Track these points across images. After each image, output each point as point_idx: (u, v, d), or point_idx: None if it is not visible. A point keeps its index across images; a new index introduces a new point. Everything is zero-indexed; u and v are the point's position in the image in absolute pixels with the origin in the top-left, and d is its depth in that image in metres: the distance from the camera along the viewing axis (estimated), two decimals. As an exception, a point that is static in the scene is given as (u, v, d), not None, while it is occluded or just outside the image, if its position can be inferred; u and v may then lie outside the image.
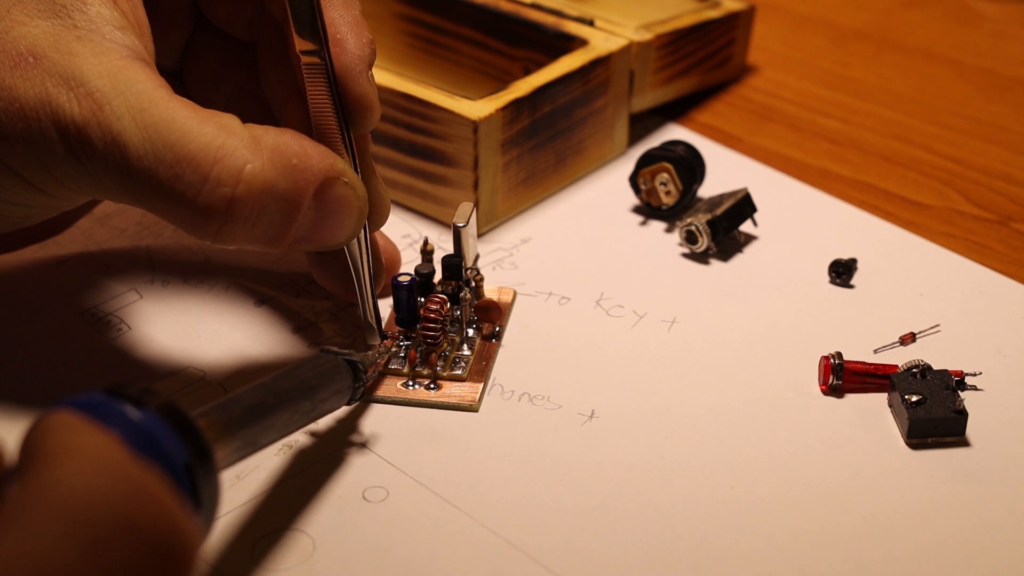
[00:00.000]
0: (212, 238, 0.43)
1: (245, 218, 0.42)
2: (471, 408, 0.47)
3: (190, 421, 0.35)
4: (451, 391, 0.48)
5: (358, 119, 0.46)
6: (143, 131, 0.41)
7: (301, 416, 0.42)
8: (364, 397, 0.46)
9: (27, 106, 0.42)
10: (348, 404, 0.45)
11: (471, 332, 0.50)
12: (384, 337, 0.49)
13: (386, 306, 0.52)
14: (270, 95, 0.49)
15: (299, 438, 0.46)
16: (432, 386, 0.48)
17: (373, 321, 0.49)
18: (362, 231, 0.47)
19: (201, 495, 0.35)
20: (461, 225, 0.50)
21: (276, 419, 0.40)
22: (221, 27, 0.49)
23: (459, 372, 0.49)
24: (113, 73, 0.42)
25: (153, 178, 0.41)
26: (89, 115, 0.41)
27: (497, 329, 0.51)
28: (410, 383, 0.48)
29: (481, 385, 0.48)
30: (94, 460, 0.31)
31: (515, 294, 0.53)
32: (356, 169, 0.46)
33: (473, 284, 0.51)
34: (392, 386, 0.48)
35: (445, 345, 0.49)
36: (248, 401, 0.39)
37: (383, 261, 0.51)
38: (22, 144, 0.42)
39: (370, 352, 0.46)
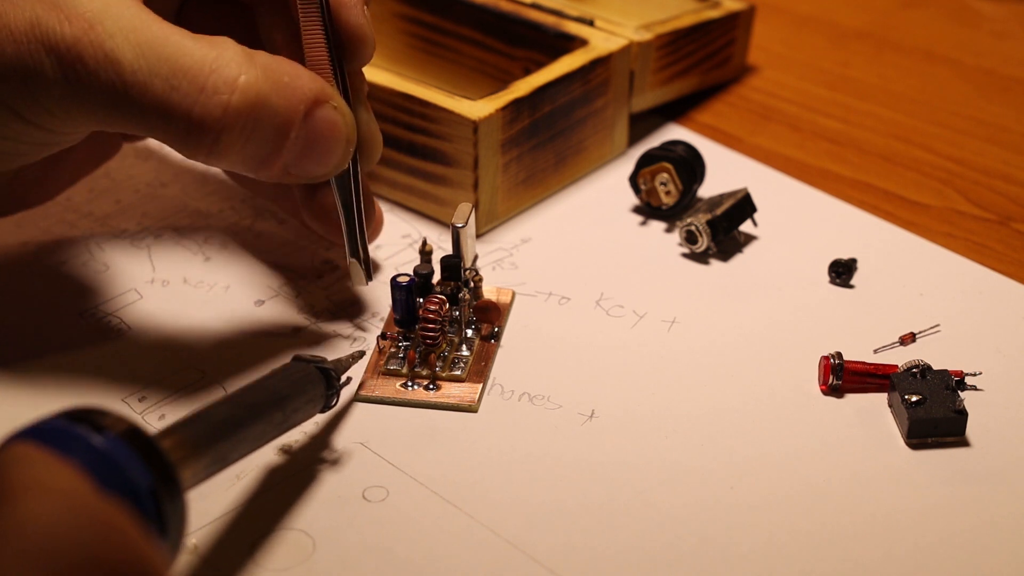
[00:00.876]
0: (206, 154, 0.44)
1: (240, 130, 0.43)
2: (470, 409, 0.47)
3: (153, 445, 0.35)
4: (450, 392, 0.48)
5: (352, 52, 0.47)
6: (136, 48, 0.42)
7: (273, 428, 0.41)
8: (336, 404, 0.46)
9: (17, 31, 0.42)
10: (322, 412, 0.45)
11: (470, 333, 0.50)
12: (370, 279, 0.50)
13: (385, 306, 0.52)
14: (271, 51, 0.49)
15: (299, 438, 0.46)
16: (431, 387, 0.48)
17: (362, 261, 0.49)
18: (353, 165, 0.48)
19: (167, 519, 0.34)
20: (460, 226, 0.50)
21: (247, 432, 0.40)
22: None
23: (458, 373, 0.49)
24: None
25: (148, 92, 0.42)
26: (81, 33, 0.42)
27: (496, 330, 0.51)
28: (409, 384, 0.48)
29: (480, 386, 0.48)
30: (57, 497, 0.31)
31: (514, 295, 0.53)
32: (348, 103, 0.47)
33: (472, 285, 0.51)
34: (391, 387, 0.48)
35: (444, 346, 0.49)
36: (217, 416, 0.39)
37: (375, 205, 0.52)
38: (12, 72, 0.42)
39: (343, 357, 0.46)
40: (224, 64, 0.43)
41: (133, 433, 0.35)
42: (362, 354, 0.48)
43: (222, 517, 0.43)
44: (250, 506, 0.43)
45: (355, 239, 0.49)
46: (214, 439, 0.38)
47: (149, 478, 0.34)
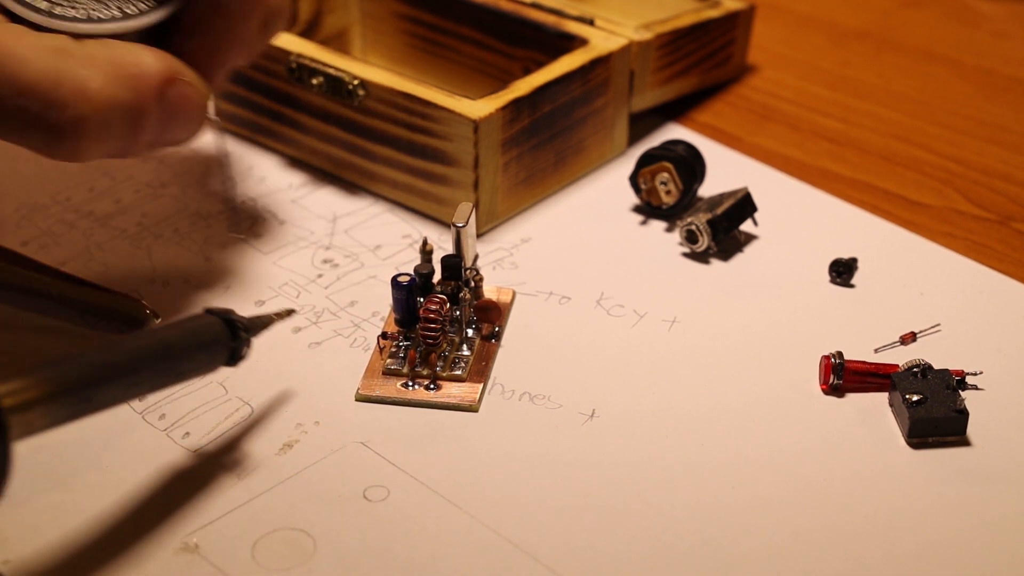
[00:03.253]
0: (68, 157, 0.44)
1: (96, 133, 0.43)
2: (471, 408, 0.47)
3: None
4: (451, 391, 0.48)
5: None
6: None
7: (160, 375, 0.41)
8: (245, 358, 0.45)
9: None
10: (228, 365, 0.45)
11: (470, 332, 0.50)
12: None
13: (385, 306, 0.52)
14: None
15: (299, 438, 0.46)
16: (432, 386, 0.48)
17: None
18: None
19: None
20: (460, 225, 0.50)
21: (123, 378, 0.40)
22: None
23: (459, 372, 0.49)
24: None
25: (1, 111, 0.42)
26: None
27: (497, 329, 0.51)
28: (410, 383, 0.48)
29: (481, 385, 0.48)
30: None
31: (514, 294, 0.53)
32: None
33: (472, 284, 0.51)
34: (392, 386, 0.48)
35: (445, 345, 0.49)
36: (87, 359, 0.39)
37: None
38: None
39: (266, 314, 0.47)
40: (68, 74, 0.43)
41: None
42: (291, 312, 0.48)
43: (222, 517, 0.43)
44: (250, 506, 0.43)
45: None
46: (78, 381, 0.38)
47: None
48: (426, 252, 0.52)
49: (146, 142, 0.46)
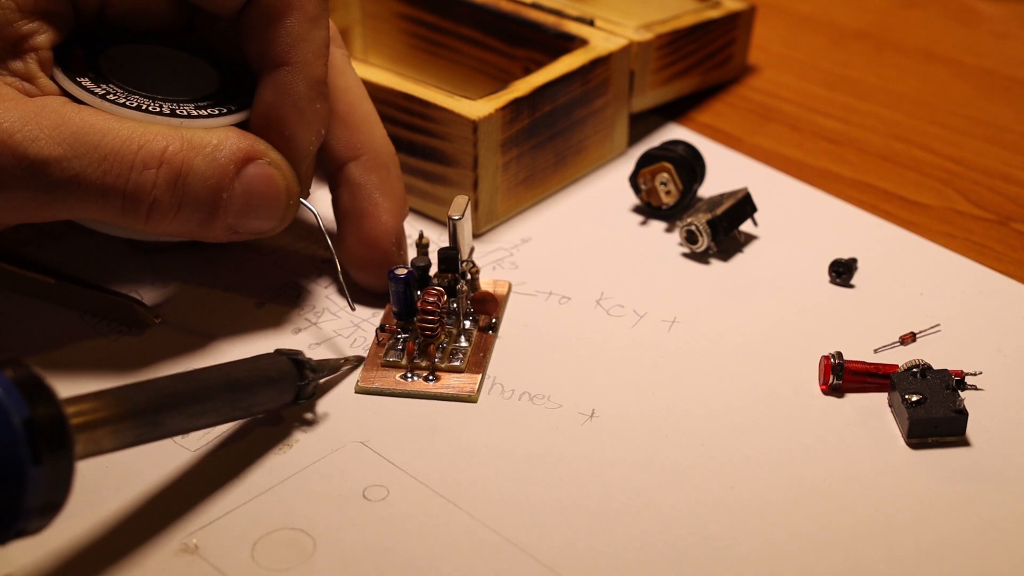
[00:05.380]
0: (143, 224, 0.46)
1: (170, 199, 0.45)
2: (469, 399, 0.48)
3: (43, 386, 0.36)
4: (449, 382, 0.48)
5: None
6: (63, 144, 0.44)
7: (226, 408, 0.43)
8: (311, 397, 0.47)
9: None
10: (296, 403, 0.46)
11: (467, 324, 0.50)
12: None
13: (384, 304, 0.52)
14: None
15: (299, 437, 0.46)
16: (430, 377, 0.48)
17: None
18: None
19: (44, 463, 0.35)
20: (456, 218, 0.50)
21: (189, 407, 0.41)
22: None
23: (457, 364, 0.49)
24: (20, 105, 0.44)
25: (82, 180, 0.44)
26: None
27: (493, 321, 0.51)
28: (408, 375, 0.48)
29: (479, 376, 0.48)
30: None
31: (510, 286, 0.53)
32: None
33: (468, 277, 0.51)
34: (391, 378, 0.48)
35: (443, 337, 0.49)
36: (162, 386, 0.40)
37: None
38: None
39: (333, 359, 0.48)
40: (150, 139, 0.45)
41: (28, 376, 0.36)
42: (360, 360, 0.49)
43: (222, 517, 0.43)
44: (250, 506, 0.43)
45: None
46: (147, 406, 0.39)
47: (26, 409, 0.35)
48: (422, 245, 0.52)
49: (227, 225, 0.47)
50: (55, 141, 0.44)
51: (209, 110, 0.47)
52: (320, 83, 0.48)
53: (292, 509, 0.43)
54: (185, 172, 0.45)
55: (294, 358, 0.46)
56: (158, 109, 0.46)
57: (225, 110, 0.48)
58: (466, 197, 0.51)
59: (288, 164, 0.48)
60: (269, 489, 0.44)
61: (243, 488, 0.44)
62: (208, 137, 0.46)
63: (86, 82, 0.46)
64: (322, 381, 0.47)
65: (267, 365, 0.45)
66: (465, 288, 0.50)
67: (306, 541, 0.42)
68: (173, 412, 0.40)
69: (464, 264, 0.51)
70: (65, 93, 0.46)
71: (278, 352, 0.46)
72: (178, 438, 0.46)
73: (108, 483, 0.44)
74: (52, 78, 0.46)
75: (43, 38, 0.45)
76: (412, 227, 0.57)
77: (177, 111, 0.47)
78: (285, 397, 0.46)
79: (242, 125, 0.48)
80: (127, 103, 0.46)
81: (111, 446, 0.38)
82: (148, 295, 0.53)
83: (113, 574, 0.41)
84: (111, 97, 0.46)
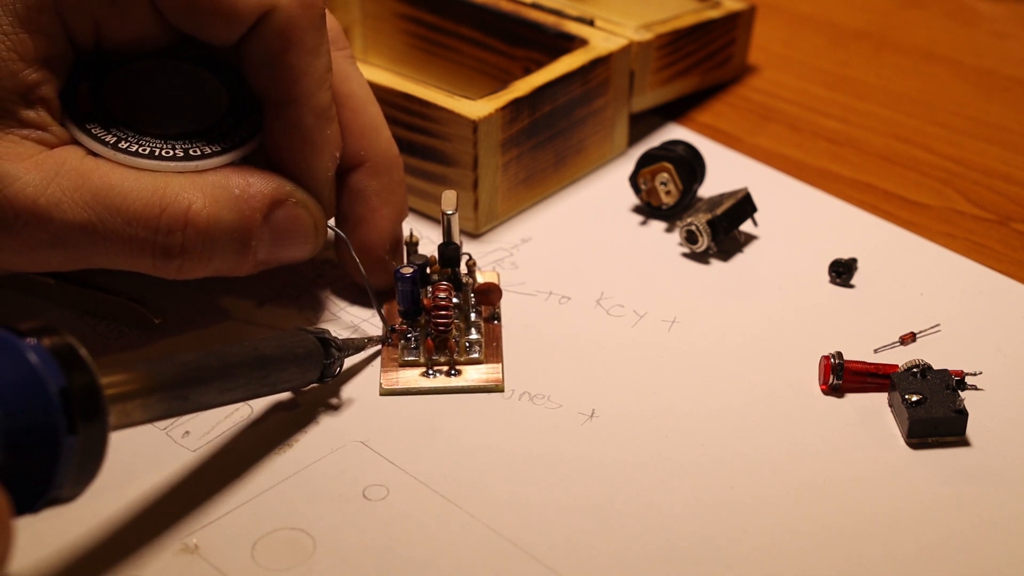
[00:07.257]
0: (175, 276, 0.46)
1: (200, 254, 0.45)
2: (496, 388, 0.48)
3: (76, 354, 0.36)
4: (473, 375, 0.49)
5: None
6: (85, 206, 0.44)
7: (254, 384, 0.43)
8: (339, 374, 0.47)
9: None
10: (321, 381, 0.46)
11: (474, 316, 0.51)
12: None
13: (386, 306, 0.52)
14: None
15: (298, 437, 0.46)
16: (453, 372, 0.49)
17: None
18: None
19: (79, 432, 0.35)
20: (451, 213, 0.50)
21: (217, 382, 0.41)
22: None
23: (476, 355, 0.49)
24: (39, 164, 0.43)
25: (109, 244, 0.44)
26: (24, 212, 0.43)
27: (496, 311, 0.51)
28: (429, 372, 0.48)
29: (500, 365, 0.49)
30: None
31: (499, 276, 0.54)
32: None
33: (466, 270, 0.51)
34: (413, 377, 0.48)
35: (455, 331, 0.49)
36: (183, 359, 0.40)
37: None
38: None
39: (358, 337, 0.48)
40: (171, 200, 0.45)
41: (64, 345, 0.35)
42: (386, 339, 0.49)
43: (222, 517, 0.43)
44: (250, 506, 0.43)
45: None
46: (176, 379, 0.39)
47: (61, 378, 0.35)
48: (412, 244, 0.52)
49: (258, 261, 0.47)
50: (78, 204, 0.44)
51: (223, 143, 0.47)
52: (327, 109, 0.47)
53: (292, 509, 0.43)
54: (212, 228, 0.45)
55: (320, 336, 0.46)
56: (171, 153, 0.46)
57: (238, 139, 0.47)
58: (454, 191, 0.51)
59: (312, 198, 0.48)
60: (269, 489, 0.44)
61: (243, 488, 0.44)
62: (230, 185, 0.46)
63: (97, 130, 0.46)
64: (346, 360, 0.48)
65: (294, 342, 0.45)
66: (471, 281, 0.51)
67: (306, 541, 0.42)
68: (202, 387, 0.40)
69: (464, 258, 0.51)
70: (77, 143, 0.46)
71: (302, 330, 0.46)
72: (179, 438, 0.46)
73: (108, 482, 0.44)
74: (63, 125, 0.45)
75: (48, 88, 0.45)
76: (415, 229, 0.57)
77: (191, 151, 0.46)
78: (310, 375, 0.46)
79: (257, 149, 0.48)
80: (140, 151, 0.45)
81: (141, 419, 0.38)
82: (149, 295, 0.53)
83: (113, 574, 0.41)
84: (123, 145, 0.45)
